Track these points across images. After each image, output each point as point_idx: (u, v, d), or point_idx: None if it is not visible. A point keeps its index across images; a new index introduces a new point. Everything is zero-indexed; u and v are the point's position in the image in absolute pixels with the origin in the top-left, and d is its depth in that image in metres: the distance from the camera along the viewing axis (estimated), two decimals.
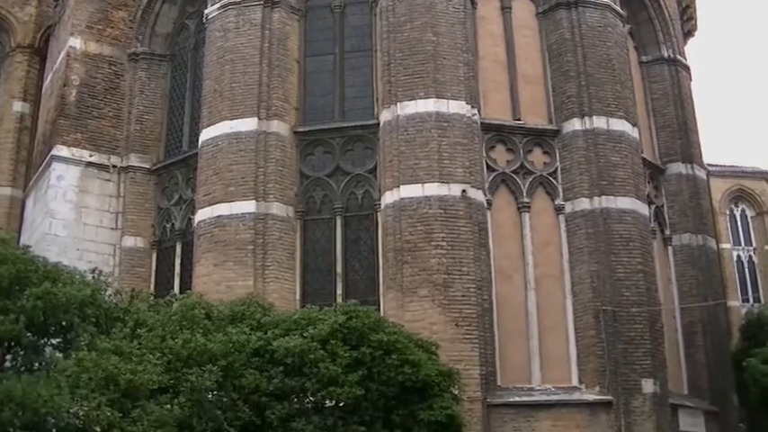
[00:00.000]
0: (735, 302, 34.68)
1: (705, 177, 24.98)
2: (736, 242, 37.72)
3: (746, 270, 37.27)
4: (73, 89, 23.35)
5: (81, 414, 12.68)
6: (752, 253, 37.80)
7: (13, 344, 13.83)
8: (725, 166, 38.26)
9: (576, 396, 18.91)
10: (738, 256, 37.38)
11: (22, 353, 13.97)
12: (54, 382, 12.48)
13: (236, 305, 16.30)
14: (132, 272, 21.93)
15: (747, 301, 35.98)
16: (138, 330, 14.39)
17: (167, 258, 22.09)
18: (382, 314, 17.55)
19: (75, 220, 22.38)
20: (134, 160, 23.16)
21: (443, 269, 18.24)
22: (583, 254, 19.77)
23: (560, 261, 19.95)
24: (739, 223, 38.33)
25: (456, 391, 16.36)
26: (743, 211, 38.65)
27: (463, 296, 18.18)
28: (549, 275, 19.80)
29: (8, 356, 14.01)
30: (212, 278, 19.19)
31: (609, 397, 18.87)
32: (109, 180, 23.10)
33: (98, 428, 12.68)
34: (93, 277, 14.98)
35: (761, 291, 36.77)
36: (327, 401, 15.19)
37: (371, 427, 15.13)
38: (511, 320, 19.20)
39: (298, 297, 19.36)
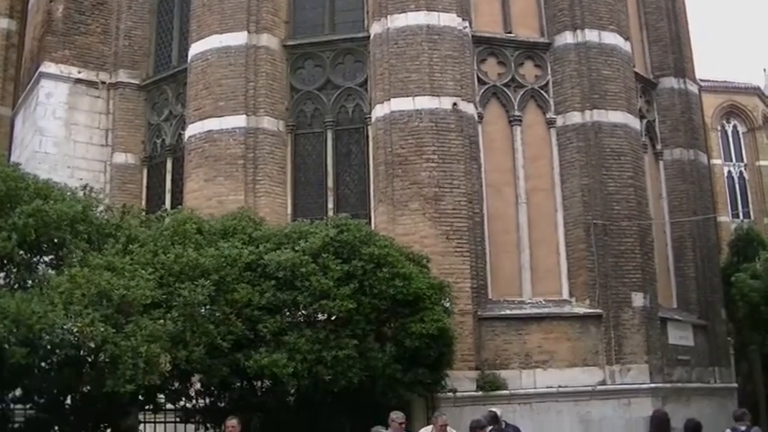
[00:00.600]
0: (725, 218, 34.81)
1: (697, 92, 24.81)
2: (728, 158, 37.72)
3: (737, 186, 37.35)
4: (60, 4, 22.94)
5: (75, 330, 12.73)
6: (743, 169, 37.83)
7: (5, 261, 13.82)
8: (717, 81, 38.04)
9: (566, 309, 19.05)
10: (729, 172, 37.42)
11: (14, 270, 13.99)
12: (47, 299, 12.51)
13: (227, 220, 16.29)
14: (123, 188, 21.84)
15: (737, 216, 36.13)
16: (130, 246, 14.38)
17: (158, 174, 22.00)
18: (373, 228, 17.56)
19: (65, 137, 22.22)
20: (123, 76, 22.88)
21: (434, 182, 18.20)
22: (574, 168, 19.72)
23: (551, 175, 19.90)
24: (731, 139, 38.28)
25: (447, 304, 16.48)
26: (734, 126, 38.57)
27: (454, 209, 18.17)
28: (540, 189, 19.77)
29: (1, 274, 14.03)
30: (203, 193, 19.13)
31: (599, 310, 19.01)
32: (98, 97, 22.86)
33: (92, 344, 12.75)
34: (85, 194, 14.92)
35: (751, 207, 36.91)
36: (319, 315, 15.30)
37: (363, 339, 15.26)
38: (502, 234, 19.21)
39: (289, 211, 19.34)
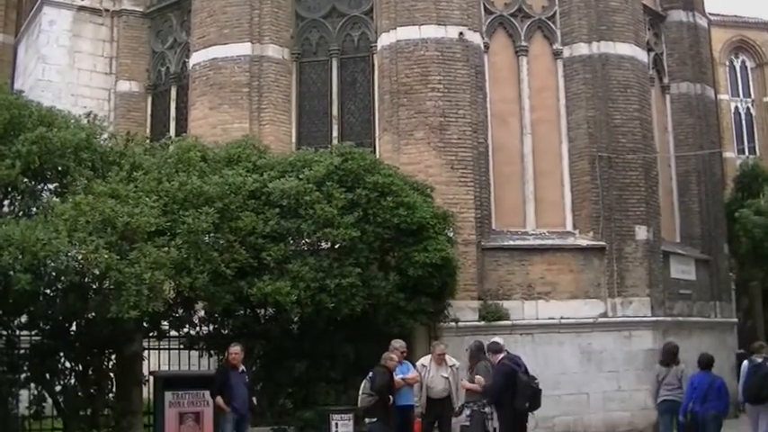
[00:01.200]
0: (730, 154, 34.63)
1: (706, 26, 24.55)
2: (735, 93, 37.32)
3: (744, 122, 37.04)
4: None
5: (79, 257, 12.82)
6: (750, 105, 37.50)
7: (9, 189, 13.88)
8: (727, 15, 37.50)
9: (569, 241, 19.06)
10: (736, 108, 37.07)
11: (19, 198, 14.04)
12: (52, 226, 12.55)
13: (231, 147, 16.27)
14: (127, 116, 21.76)
15: (743, 152, 35.91)
16: (135, 174, 14.37)
17: (162, 102, 21.91)
18: (378, 157, 17.50)
19: (69, 65, 22.09)
20: (127, 3, 22.68)
21: (440, 112, 18.07)
22: (580, 99, 19.56)
23: (557, 106, 19.72)
24: (739, 74, 37.83)
25: (451, 234, 16.50)
26: (743, 62, 38.11)
27: (459, 139, 18.07)
28: (546, 120, 19.62)
29: (5, 202, 14.08)
30: (208, 121, 19.06)
31: (602, 242, 19.01)
32: (102, 24, 22.68)
33: (96, 270, 12.84)
34: (88, 121, 14.88)
35: (757, 143, 36.64)
36: (323, 243, 15.37)
37: (366, 268, 15.34)
38: (506, 165, 19.13)
39: (293, 139, 19.28)
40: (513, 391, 12.31)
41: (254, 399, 13.84)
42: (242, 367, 13.54)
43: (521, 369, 12.48)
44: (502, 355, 12.87)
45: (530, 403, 12.39)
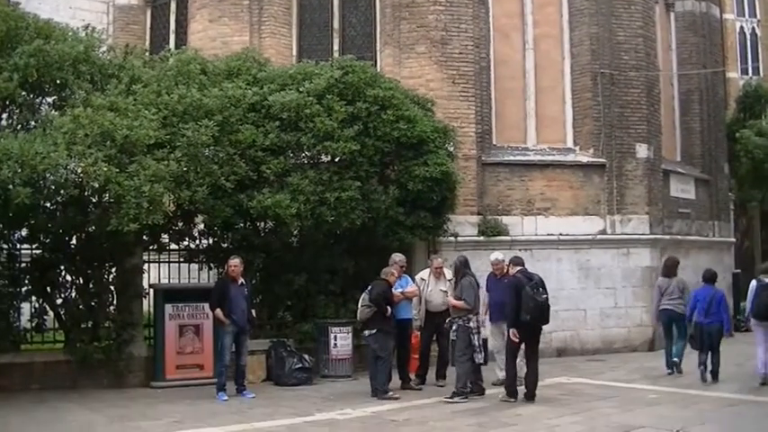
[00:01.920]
0: (734, 74, 34.39)
1: None
2: (741, 13, 36.86)
3: (748, 42, 36.64)
4: None
5: (78, 170, 12.85)
6: (755, 25, 37.06)
7: (7, 102, 13.79)
8: None
9: (570, 157, 19.04)
10: (741, 28, 36.64)
11: (17, 111, 13.98)
12: (51, 140, 12.51)
13: (231, 60, 16.14)
14: (126, 30, 21.49)
15: (746, 73, 35.62)
16: (134, 86, 14.27)
17: (162, 15, 21.62)
18: (379, 70, 17.36)
19: None
20: None
21: (441, 26, 17.88)
22: (583, 15, 19.33)
23: (560, 22, 19.51)
24: None
25: (451, 149, 16.50)
26: None
27: (461, 53, 17.92)
28: (548, 36, 19.43)
29: (3, 115, 14.03)
30: (208, 34, 18.86)
31: (602, 160, 19.01)
32: None
33: (96, 183, 12.87)
34: (87, 34, 14.67)
35: (761, 63, 36.33)
36: (323, 156, 15.37)
37: (366, 181, 15.36)
38: (508, 80, 19.01)
39: (294, 52, 19.12)
40: (519, 305, 12.37)
41: (253, 311, 13.94)
42: (241, 280, 13.56)
43: (531, 283, 12.48)
44: (518, 269, 12.91)
45: (534, 317, 12.37)
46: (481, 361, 12.85)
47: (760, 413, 11.46)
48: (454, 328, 12.81)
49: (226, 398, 13.02)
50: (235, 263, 13.55)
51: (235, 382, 13.48)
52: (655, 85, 20.09)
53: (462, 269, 13.25)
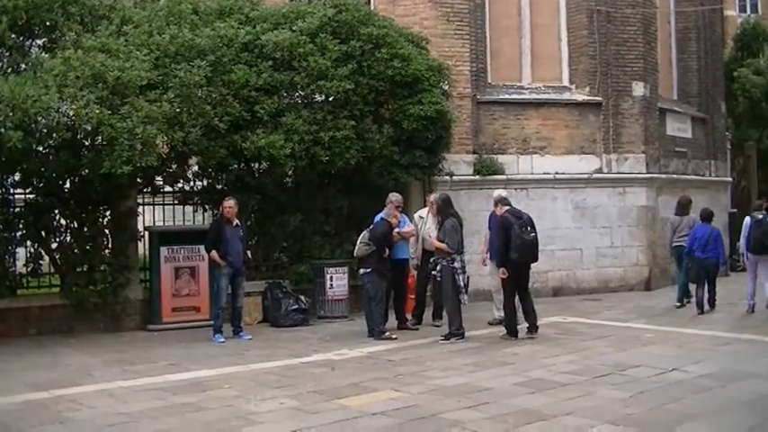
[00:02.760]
0: (731, 12, 34.22)
1: None
2: None
3: None
4: None
5: (70, 113, 12.77)
6: None
7: None
8: None
9: (565, 96, 18.96)
10: None
11: (7, 54, 13.81)
12: (41, 82, 12.40)
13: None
14: None
15: (744, 10, 35.47)
16: (125, 27, 14.10)
17: None
18: (372, 8, 17.18)
19: None
20: None
21: None
22: None
23: None
24: None
25: (446, 87, 16.43)
26: None
27: None
28: None
29: None
30: None
31: (598, 98, 18.93)
32: None
33: (88, 126, 12.77)
34: None
35: (759, 1, 36.15)
36: (317, 96, 15.29)
37: (361, 121, 15.31)
38: (503, 18, 18.84)
39: None
40: (507, 243, 12.45)
41: (249, 253, 13.89)
42: (236, 221, 13.48)
43: (519, 221, 12.53)
44: (506, 209, 12.93)
45: (521, 255, 12.44)
46: (465, 302, 12.78)
47: (754, 351, 11.52)
48: (438, 268, 12.76)
49: (222, 340, 13.05)
50: (230, 204, 13.46)
51: (231, 324, 13.48)
52: (651, 22, 19.94)
53: (445, 208, 13.07)
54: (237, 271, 13.41)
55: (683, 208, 16.56)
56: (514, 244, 12.37)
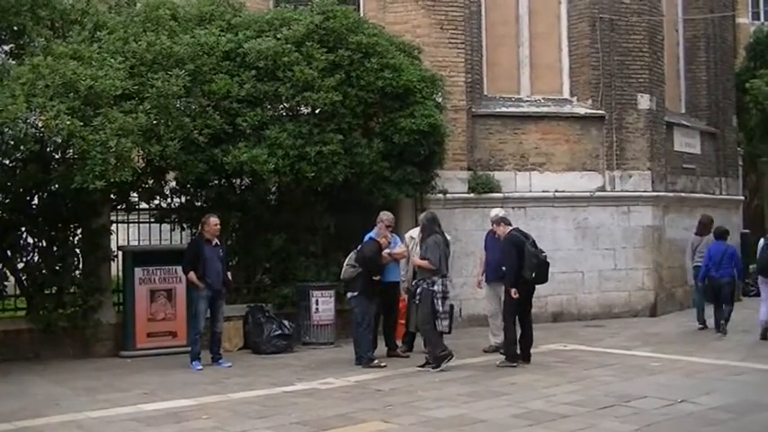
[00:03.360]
0: (744, 19, 34.32)
1: None
2: None
3: None
4: None
5: (39, 124, 12.75)
6: None
7: None
8: None
9: (566, 109, 19.05)
10: None
11: None
12: (8, 91, 12.40)
13: (204, 5, 15.94)
14: None
15: (758, 18, 35.56)
16: (98, 33, 14.19)
17: None
18: (362, 15, 17.24)
19: None
20: None
21: None
22: None
23: None
24: None
25: (439, 99, 16.48)
26: None
27: None
28: None
29: None
30: None
31: (601, 111, 19.01)
32: None
33: (58, 138, 12.82)
34: None
35: None
36: (303, 108, 15.34)
37: (349, 134, 15.35)
38: (500, 26, 18.92)
39: None
40: (520, 263, 12.58)
41: (229, 274, 13.88)
42: (216, 240, 13.49)
43: (528, 241, 12.78)
44: (511, 228, 13.13)
45: (536, 275, 12.67)
46: (445, 329, 12.64)
47: (767, 381, 11.58)
48: (418, 291, 12.77)
49: (200, 367, 13.03)
50: (215, 221, 13.41)
51: (210, 350, 13.47)
52: (658, 30, 20.05)
53: (429, 226, 13.02)
54: (217, 293, 13.37)
55: (705, 227, 17.08)
56: (530, 262, 12.55)
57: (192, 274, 13.24)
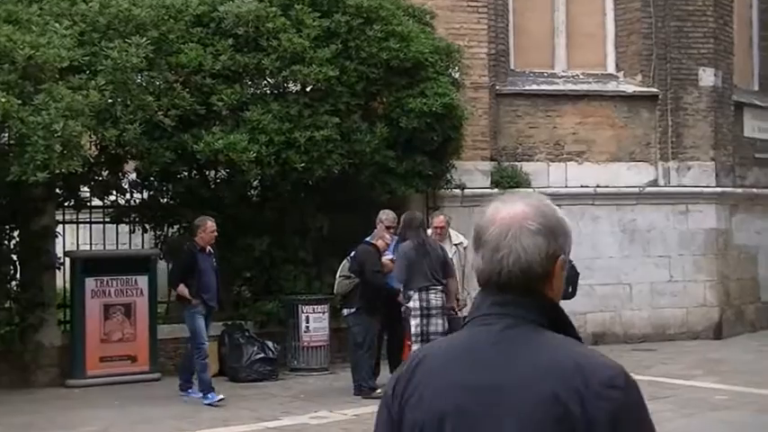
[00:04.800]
0: None
1: None
2: None
3: None
4: None
5: None
6: None
7: None
8: None
9: (610, 86, 19.09)
10: None
11: None
12: None
13: None
14: None
15: None
16: None
17: None
18: None
19: None
20: None
21: None
22: None
23: None
24: None
25: (456, 75, 16.54)
26: None
27: None
28: None
29: None
30: None
31: (654, 89, 19.03)
32: None
33: None
34: None
35: None
36: (291, 84, 15.42)
37: (347, 117, 15.43)
38: None
39: None
40: None
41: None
42: (209, 248, 13.45)
43: None
44: None
45: (573, 289, 12.72)
46: None
47: None
48: (403, 308, 12.83)
49: (221, 397, 12.86)
50: (214, 226, 13.37)
51: (179, 376, 13.51)
52: None
53: (402, 230, 13.12)
54: (210, 311, 13.40)
55: None
56: (567, 274, 12.54)
57: (182, 288, 13.17)
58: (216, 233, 13.43)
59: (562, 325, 2.56)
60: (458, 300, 13.47)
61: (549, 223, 2.55)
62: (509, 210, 2.52)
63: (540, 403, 2.29)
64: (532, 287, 2.57)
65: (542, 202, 2.56)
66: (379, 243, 13.55)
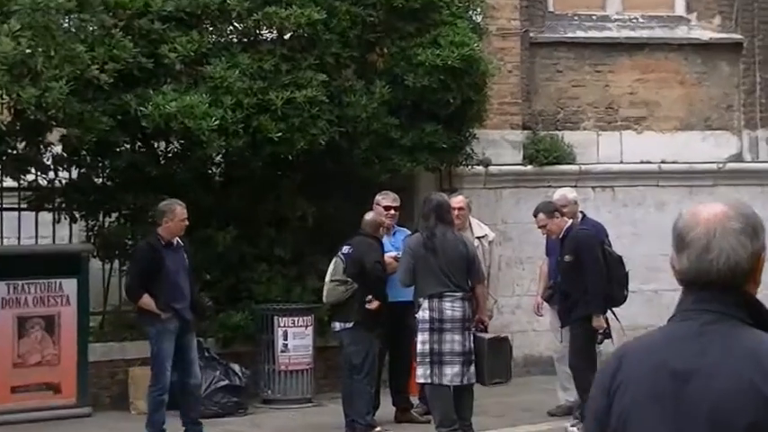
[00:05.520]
0: None
1: None
2: None
3: None
4: None
5: None
6: None
7: None
8: None
9: (679, 33, 19.22)
10: None
11: None
12: None
13: None
14: None
15: None
16: None
17: None
18: None
19: None
20: None
21: None
22: None
23: None
24: None
25: (478, 18, 16.65)
26: None
27: None
28: None
29: None
30: None
31: (736, 35, 19.17)
32: None
33: None
34: None
35: None
36: (265, 30, 15.52)
37: (337, 74, 15.52)
38: None
39: None
40: (608, 275, 12.66)
41: (203, 295, 14.23)
42: (176, 240, 13.18)
43: (606, 239, 12.90)
44: (571, 221, 13.11)
45: (627, 292, 12.97)
46: (434, 380, 12.48)
47: None
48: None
49: None
50: (184, 212, 13.12)
51: (181, 413, 13.15)
52: None
53: (430, 217, 12.80)
54: (186, 324, 13.06)
55: None
56: (619, 274, 12.73)
57: (146, 298, 12.90)
58: (186, 222, 13.14)
59: (763, 318, 3.20)
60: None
61: (750, 222, 3.28)
62: (710, 210, 3.30)
63: (737, 390, 3.06)
64: (736, 284, 3.28)
65: (738, 202, 3.31)
66: (379, 231, 13.55)
